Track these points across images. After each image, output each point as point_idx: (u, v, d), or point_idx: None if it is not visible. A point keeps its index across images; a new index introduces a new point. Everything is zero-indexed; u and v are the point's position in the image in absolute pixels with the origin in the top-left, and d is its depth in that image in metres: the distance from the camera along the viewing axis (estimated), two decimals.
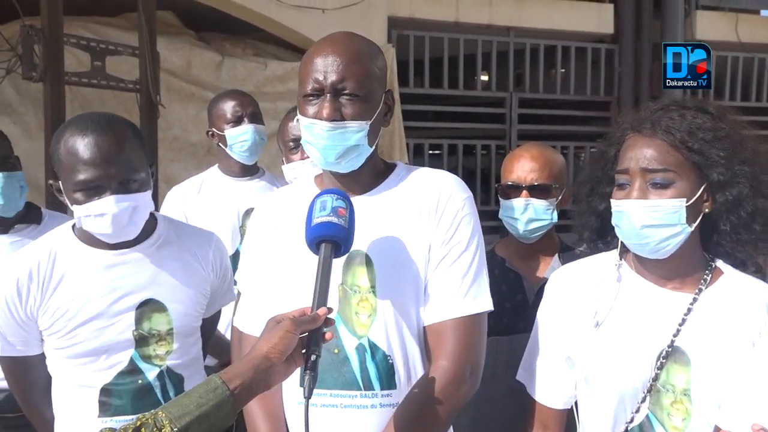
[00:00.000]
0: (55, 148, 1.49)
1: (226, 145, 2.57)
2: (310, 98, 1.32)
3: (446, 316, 1.33)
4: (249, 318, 1.44)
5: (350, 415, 1.32)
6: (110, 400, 1.54)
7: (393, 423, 1.30)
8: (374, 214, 1.35)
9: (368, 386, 1.32)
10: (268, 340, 1.10)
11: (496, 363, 1.87)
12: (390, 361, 1.33)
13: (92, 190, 1.45)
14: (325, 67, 1.30)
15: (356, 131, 1.31)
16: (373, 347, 1.32)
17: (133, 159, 1.49)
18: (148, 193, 1.53)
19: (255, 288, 1.44)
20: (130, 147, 1.49)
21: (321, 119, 1.30)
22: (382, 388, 1.32)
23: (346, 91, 1.30)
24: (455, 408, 1.32)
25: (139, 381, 1.55)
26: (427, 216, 1.35)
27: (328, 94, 1.30)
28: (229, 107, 2.57)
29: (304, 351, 1.13)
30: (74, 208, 1.47)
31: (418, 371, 1.35)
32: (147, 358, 1.56)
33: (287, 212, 1.43)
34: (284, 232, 1.40)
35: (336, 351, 1.32)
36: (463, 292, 1.33)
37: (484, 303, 1.35)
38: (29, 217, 2.20)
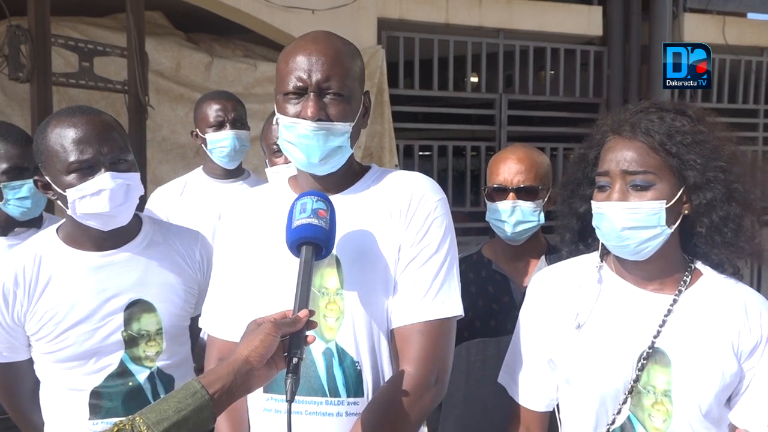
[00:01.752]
0: (41, 139, 1.49)
1: (207, 148, 2.57)
2: (292, 97, 1.28)
3: (413, 319, 1.28)
4: (221, 321, 1.40)
5: (315, 422, 1.27)
6: (101, 402, 1.53)
7: (356, 430, 1.25)
8: (345, 215, 1.31)
9: (334, 393, 1.28)
10: (249, 344, 1.08)
11: (483, 365, 1.88)
12: (358, 367, 1.29)
13: (87, 170, 1.46)
14: (310, 66, 1.26)
15: (341, 132, 1.29)
16: (341, 353, 1.28)
17: (121, 140, 1.52)
18: (138, 175, 1.54)
19: (227, 292, 1.40)
20: (117, 129, 1.53)
21: (305, 119, 1.26)
22: (348, 396, 1.28)
23: (331, 91, 1.27)
24: (420, 416, 1.28)
25: (130, 383, 1.54)
26: (397, 217, 1.32)
27: (312, 93, 1.26)
28: (211, 111, 2.56)
29: (285, 354, 1.11)
30: (68, 191, 1.47)
31: (387, 378, 1.31)
32: (137, 360, 1.55)
33: (261, 214, 1.39)
34: (259, 235, 1.37)
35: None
36: (431, 295, 1.29)
37: (453, 308, 1.31)
38: (30, 220, 2.20)
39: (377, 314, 1.30)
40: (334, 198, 1.33)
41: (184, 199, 2.58)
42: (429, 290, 1.30)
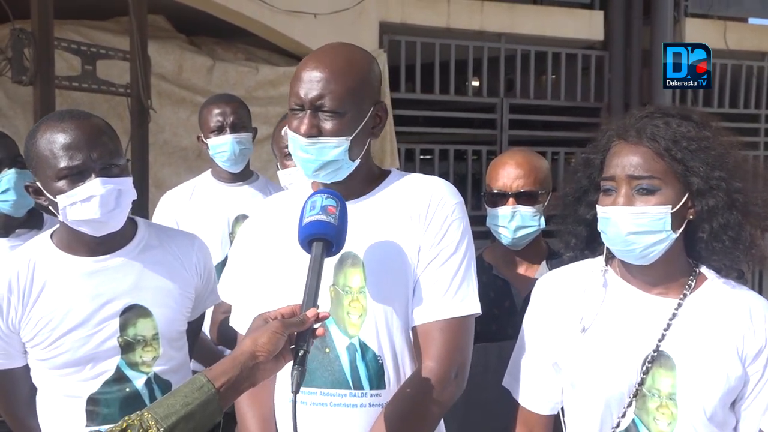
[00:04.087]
0: (31, 145, 1.48)
1: (210, 153, 2.58)
2: (295, 111, 1.36)
3: (434, 317, 1.34)
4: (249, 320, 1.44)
5: (339, 414, 1.33)
6: (98, 408, 1.52)
7: (379, 423, 1.32)
8: (366, 218, 1.38)
9: (358, 386, 1.34)
10: (256, 339, 1.10)
11: (485, 370, 1.87)
12: (380, 361, 1.35)
13: (76, 176, 1.45)
14: (307, 84, 1.33)
15: (334, 147, 1.33)
16: (364, 347, 1.35)
17: (112, 145, 1.50)
18: (130, 180, 1.53)
19: (253, 291, 1.44)
20: (108, 133, 1.51)
21: (299, 134, 1.33)
22: (371, 388, 1.34)
23: (325, 108, 1.32)
24: (441, 409, 1.35)
25: (127, 389, 1.53)
26: (417, 219, 1.38)
27: (308, 110, 1.33)
28: (211, 116, 2.56)
29: (292, 347, 1.13)
30: (58, 198, 1.45)
31: (408, 372, 1.37)
32: (134, 366, 1.54)
33: (282, 216, 1.44)
34: (279, 235, 1.42)
35: (327, 350, 1.34)
36: (451, 294, 1.35)
37: (472, 306, 1.37)
38: (31, 222, 2.20)
39: (398, 311, 1.36)
40: (354, 203, 1.38)
41: (193, 203, 2.57)
42: (449, 289, 1.35)
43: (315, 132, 1.32)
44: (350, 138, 1.34)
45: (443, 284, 1.35)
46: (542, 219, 1.91)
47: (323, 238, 1.23)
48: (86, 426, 1.52)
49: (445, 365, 1.32)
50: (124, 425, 1.00)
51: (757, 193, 1.34)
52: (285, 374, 1.18)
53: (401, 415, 1.31)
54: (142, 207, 3.71)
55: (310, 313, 1.14)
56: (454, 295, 1.35)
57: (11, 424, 1.66)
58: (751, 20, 7.05)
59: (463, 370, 1.36)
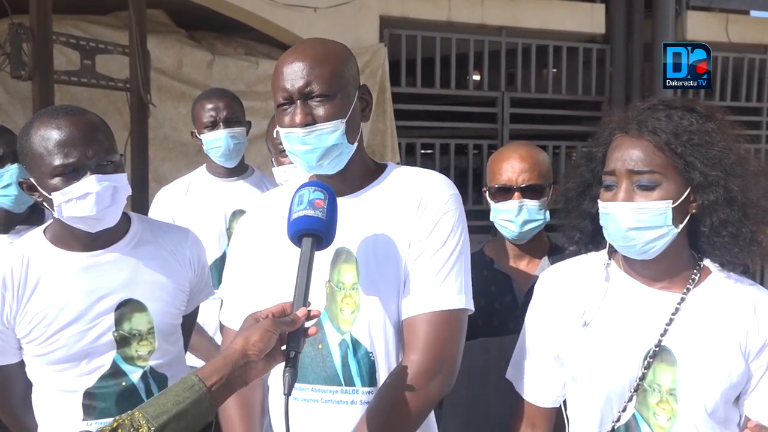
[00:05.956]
0: (25, 141, 1.47)
1: (204, 148, 2.57)
2: (284, 108, 1.34)
3: (419, 310, 1.32)
4: (239, 316, 1.42)
5: (331, 410, 1.32)
6: (94, 403, 1.52)
7: (364, 418, 1.30)
8: (361, 213, 1.36)
9: (349, 382, 1.33)
10: (247, 338, 1.09)
11: (486, 364, 1.87)
12: (372, 358, 1.34)
13: (71, 174, 1.44)
14: (290, 75, 1.32)
15: (332, 131, 1.32)
16: (356, 343, 1.33)
17: (107, 141, 1.49)
18: (125, 176, 1.52)
19: (244, 287, 1.44)
20: (102, 129, 1.50)
21: (295, 126, 1.31)
22: (363, 385, 1.33)
23: (315, 94, 1.31)
24: (426, 403, 1.31)
25: (123, 383, 1.53)
26: (410, 213, 1.36)
27: (298, 101, 1.32)
28: (204, 112, 2.54)
29: (283, 348, 1.13)
30: (54, 195, 1.44)
31: None
32: (129, 360, 1.54)
33: (276, 213, 1.43)
34: (273, 232, 1.41)
35: (319, 346, 1.33)
36: (436, 286, 1.32)
37: (460, 300, 1.33)
38: (32, 218, 2.20)
39: (390, 308, 1.34)
40: (350, 198, 1.38)
41: (188, 198, 2.57)
42: (434, 281, 1.33)
43: (310, 120, 1.31)
44: (345, 120, 1.33)
45: (430, 276, 1.32)
46: (547, 213, 1.90)
47: (312, 233, 1.21)
48: (83, 420, 1.52)
49: (429, 358, 1.29)
50: (115, 425, 1.01)
51: (759, 188, 1.31)
52: (280, 370, 1.17)
53: (384, 409, 1.28)
54: (142, 203, 3.71)
55: (300, 312, 1.13)
56: (439, 287, 1.32)
57: (7, 421, 1.65)
58: (753, 13, 7.03)
59: (450, 364, 1.31)
